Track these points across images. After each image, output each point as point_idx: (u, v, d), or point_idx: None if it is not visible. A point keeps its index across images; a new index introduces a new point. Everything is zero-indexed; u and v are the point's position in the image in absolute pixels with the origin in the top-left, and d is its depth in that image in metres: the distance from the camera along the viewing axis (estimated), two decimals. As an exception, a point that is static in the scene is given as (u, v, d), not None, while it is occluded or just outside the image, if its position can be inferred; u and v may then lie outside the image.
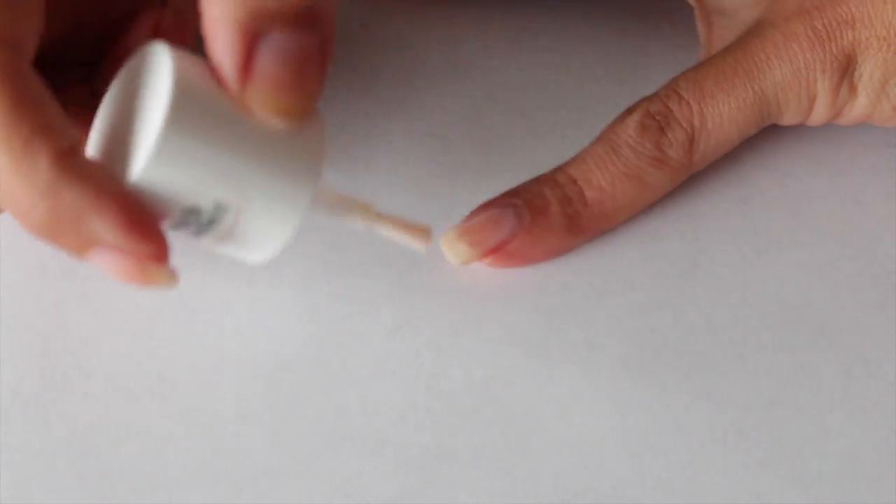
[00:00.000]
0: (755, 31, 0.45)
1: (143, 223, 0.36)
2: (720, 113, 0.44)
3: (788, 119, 0.45)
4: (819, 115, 0.45)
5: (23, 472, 0.40)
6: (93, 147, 0.39)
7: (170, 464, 0.41)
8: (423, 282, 0.45)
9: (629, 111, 0.45)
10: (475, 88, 0.51)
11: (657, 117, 0.45)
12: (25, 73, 0.36)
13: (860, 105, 0.45)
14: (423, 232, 0.42)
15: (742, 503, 0.39)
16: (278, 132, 0.37)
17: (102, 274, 0.37)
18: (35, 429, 0.41)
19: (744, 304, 0.44)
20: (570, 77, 0.51)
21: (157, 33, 0.42)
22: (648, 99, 0.45)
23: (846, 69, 0.44)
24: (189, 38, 0.42)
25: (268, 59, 0.35)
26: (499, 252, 0.44)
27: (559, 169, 0.46)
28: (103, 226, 0.36)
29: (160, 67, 0.36)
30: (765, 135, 0.48)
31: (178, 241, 0.44)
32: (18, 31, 0.37)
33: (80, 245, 0.37)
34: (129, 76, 0.38)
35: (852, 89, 0.44)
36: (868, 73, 0.44)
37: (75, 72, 0.43)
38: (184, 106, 0.35)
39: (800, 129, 0.49)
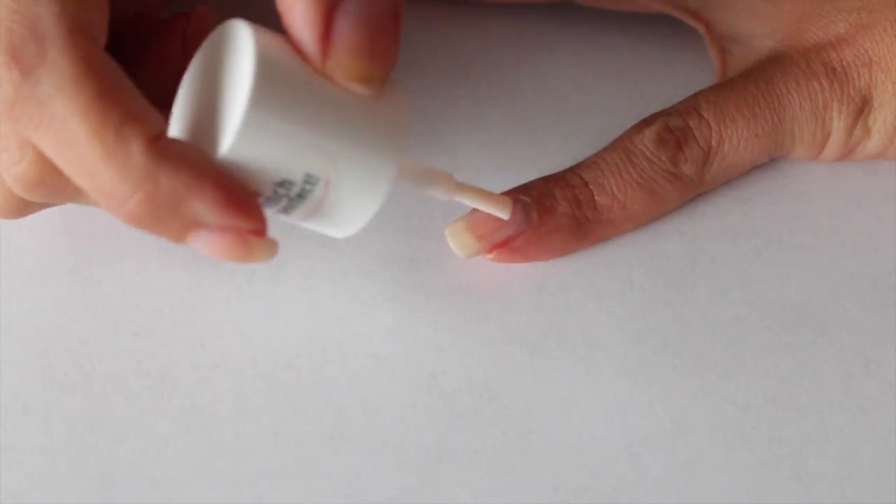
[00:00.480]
0: (775, 61, 0.46)
1: (242, 199, 0.36)
2: (738, 137, 0.45)
3: (799, 153, 0.46)
4: (831, 152, 0.46)
5: (23, 471, 0.40)
6: (176, 128, 0.38)
7: (170, 463, 0.41)
8: (424, 281, 0.45)
9: (647, 122, 0.45)
10: (475, 88, 0.51)
11: (676, 132, 0.45)
12: (107, 62, 0.36)
13: (873, 145, 0.45)
14: (504, 201, 0.43)
15: (742, 503, 0.39)
16: (361, 101, 0.37)
17: (201, 254, 0.37)
18: (35, 428, 0.41)
19: (744, 304, 0.44)
20: (569, 76, 0.51)
21: (185, 38, 0.42)
22: (668, 114, 0.45)
23: (862, 110, 0.45)
24: None
25: (346, 27, 0.35)
26: (504, 247, 0.44)
27: (572, 170, 0.46)
28: (203, 207, 0.35)
29: (241, 41, 0.36)
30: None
31: (181, 245, 0.44)
32: (92, 19, 0.36)
33: (182, 229, 0.36)
34: (207, 55, 0.38)
35: (866, 130, 0.45)
36: (883, 116, 0.45)
37: None
38: (268, 78, 0.35)
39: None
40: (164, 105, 0.38)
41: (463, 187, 0.42)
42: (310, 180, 0.36)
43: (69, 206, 0.47)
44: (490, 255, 0.45)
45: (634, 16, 0.52)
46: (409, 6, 0.53)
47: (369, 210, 0.38)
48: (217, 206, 0.35)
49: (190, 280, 0.45)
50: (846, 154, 0.46)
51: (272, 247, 0.37)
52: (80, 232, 0.46)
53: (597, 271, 0.45)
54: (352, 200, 0.37)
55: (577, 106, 0.50)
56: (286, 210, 0.37)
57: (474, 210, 0.44)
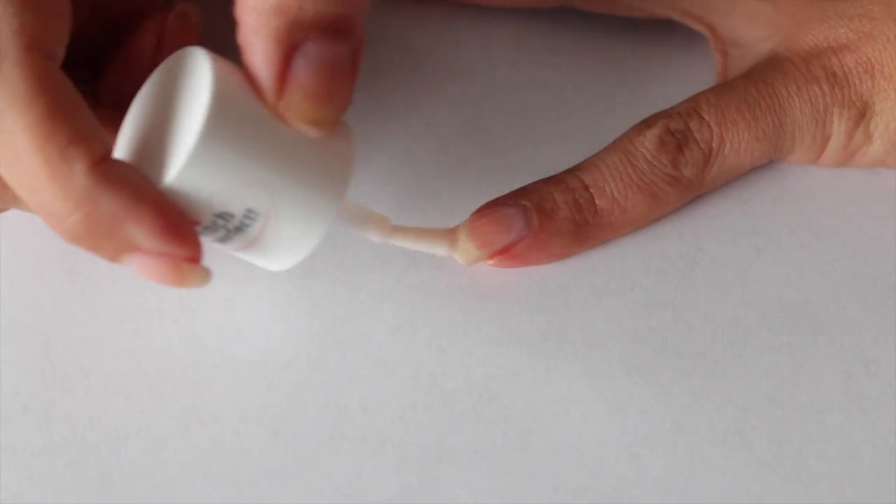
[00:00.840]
0: (775, 64, 0.46)
1: (179, 227, 0.36)
2: (739, 140, 0.45)
3: (799, 156, 0.46)
4: (830, 157, 0.46)
5: (23, 471, 0.40)
6: (122, 149, 0.39)
7: (170, 463, 0.41)
8: (424, 281, 0.45)
9: (648, 124, 0.45)
10: (476, 89, 0.51)
11: (677, 135, 0.45)
12: (60, 80, 0.36)
13: (874, 152, 0.45)
14: (444, 235, 0.43)
15: (741, 503, 0.39)
16: (310, 142, 0.37)
17: (135, 276, 0.37)
18: (35, 428, 0.41)
19: (743, 304, 0.44)
20: (570, 78, 0.51)
21: (162, 36, 0.42)
22: (669, 115, 0.45)
23: (863, 116, 0.45)
24: (193, 41, 0.42)
25: (303, 70, 0.36)
26: (504, 254, 0.44)
27: (571, 173, 0.45)
28: (140, 231, 0.36)
29: (199, 71, 0.36)
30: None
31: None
32: (49, 35, 0.37)
33: (117, 251, 0.37)
34: (162, 79, 0.38)
35: (868, 136, 0.45)
36: (885, 122, 0.45)
37: (77, 72, 0.43)
38: (222, 112, 0.36)
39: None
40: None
41: (399, 230, 0.42)
42: (250, 215, 0.37)
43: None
44: (491, 262, 0.45)
45: (636, 19, 0.52)
46: (410, 7, 0.53)
47: (305, 248, 0.38)
48: (153, 231, 0.36)
49: (190, 280, 0.45)
50: (846, 159, 0.46)
51: (205, 274, 0.38)
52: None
53: (596, 271, 0.45)
54: (289, 237, 0.38)
55: (577, 106, 0.50)
56: (223, 240, 0.38)
57: (475, 217, 0.44)
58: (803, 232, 0.46)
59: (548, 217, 0.44)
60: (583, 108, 0.50)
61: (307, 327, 0.44)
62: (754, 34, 0.47)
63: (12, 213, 0.46)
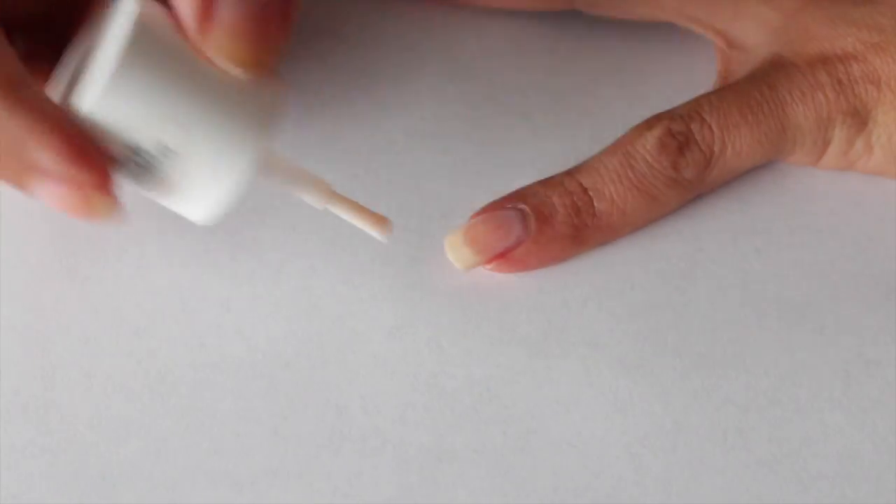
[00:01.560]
0: (780, 68, 0.45)
1: (86, 151, 0.36)
2: (741, 143, 0.45)
3: (798, 158, 0.46)
4: (829, 161, 0.46)
5: (23, 471, 0.40)
6: (52, 84, 0.39)
7: (170, 463, 0.41)
8: (424, 281, 0.45)
9: (648, 126, 0.45)
10: (475, 90, 0.51)
11: (678, 137, 0.44)
12: None
13: (875, 162, 0.45)
14: (380, 221, 0.42)
15: (742, 503, 0.39)
16: (235, 84, 0.37)
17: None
18: (35, 428, 0.41)
19: (743, 304, 0.44)
20: (569, 79, 0.51)
21: None
22: (670, 117, 0.45)
23: (864, 125, 0.44)
24: None
25: (229, 6, 0.35)
26: (502, 258, 0.44)
27: (569, 175, 0.45)
28: (44, 153, 0.36)
29: (124, 8, 0.36)
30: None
31: (181, 239, 0.44)
32: None
33: (21, 173, 0.36)
34: (95, 24, 0.38)
35: (869, 147, 0.45)
36: (887, 134, 0.44)
37: (44, 54, 0.43)
38: (141, 44, 0.36)
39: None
40: None
41: (338, 198, 0.41)
42: (165, 152, 0.36)
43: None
44: (489, 266, 0.45)
45: (635, 21, 0.52)
46: (409, 8, 0.54)
47: (223, 194, 0.38)
48: (59, 154, 0.36)
49: (190, 280, 0.45)
50: (846, 166, 0.46)
51: (114, 205, 0.37)
52: (81, 232, 0.46)
53: (596, 271, 0.45)
54: (204, 180, 0.37)
55: (576, 108, 0.50)
56: (138, 179, 0.37)
57: (472, 221, 0.44)
58: (803, 232, 0.46)
59: (546, 221, 0.44)
60: (582, 110, 0.50)
61: (307, 327, 0.44)
62: (760, 39, 0.47)
63: (13, 214, 0.46)
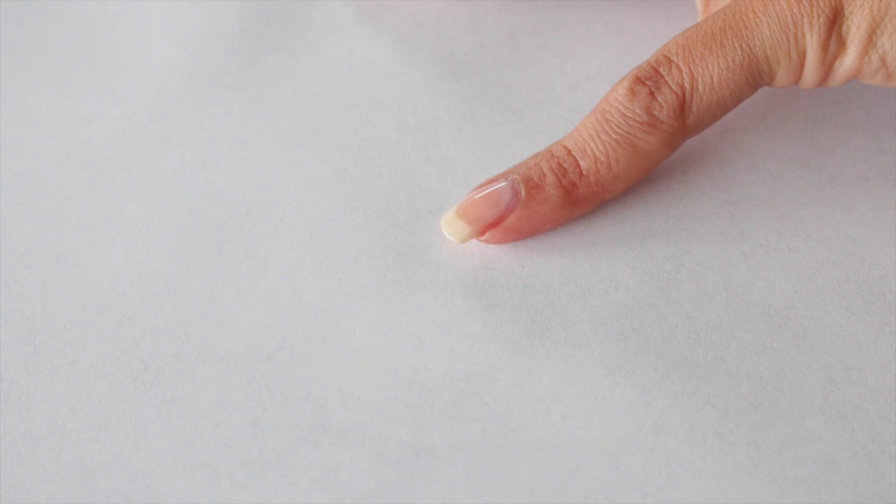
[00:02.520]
0: None
1: None
2: (710, 74, 0.44)
3: (781, 79, 0.45)
4: (810, 73, 0.45)
5: (2, 456, 0.40)
6: None
7: (149, 452, 0.41)
8: (408, 277, 0.45)
9: (622, 79, 0.45)
10: (468, 86, 0.51)
11: (647, 82, 0.44)
12: None
13: (849, 58, 0.44)
14: None
15: (719, 506, 0.39)
16: None
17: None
18: (17, 413, 0.41)
19: (728, 307, 0.44)
20: (563, 76, 0.51)
21: None
22: (638, 66, 0.45)
23: (833, 22, 0.43)
24: None
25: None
26: (496, 226, 0.45)
27: (556, 143, 0.46)
28: None
29: None
30: (755, 137, 0.48)
31: (167, 229, 0.44)
32: None
33: None
34: None
35: (841, 43, 0.44)
36: (856, 24, 0.43)
37: None
38: None
39: (790, 131, 0.49)
40: None
41: None
42: None
43: (55, 192, 0.47)
44: (483, 238, 0.45)
45: (628, 15, 0.52)
46: (403, 2, 0.54)
47: None
48: None
49: (176, 271, 0.45)
50: (826, 74, 0.45)
51: None
52: (69, 220, 0.47)
53: (581, 270, 0.45)
54: None
55: (569, 105, 0.50)
56: None
57: (464, 200, 0.45)
58: (790, 236, 0.46)
59: (535, 186, 0.45)
60: (575, 108, 0.50)
61: (290, 320, 0.44)
62: None
63: (0, 202, 0.46)
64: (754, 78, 0.44)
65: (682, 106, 0.44)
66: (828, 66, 0.44)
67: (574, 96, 0.50)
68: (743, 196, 0.47)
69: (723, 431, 0.41)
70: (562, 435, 0.41)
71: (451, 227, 0.45)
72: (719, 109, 0.45)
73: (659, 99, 0.44)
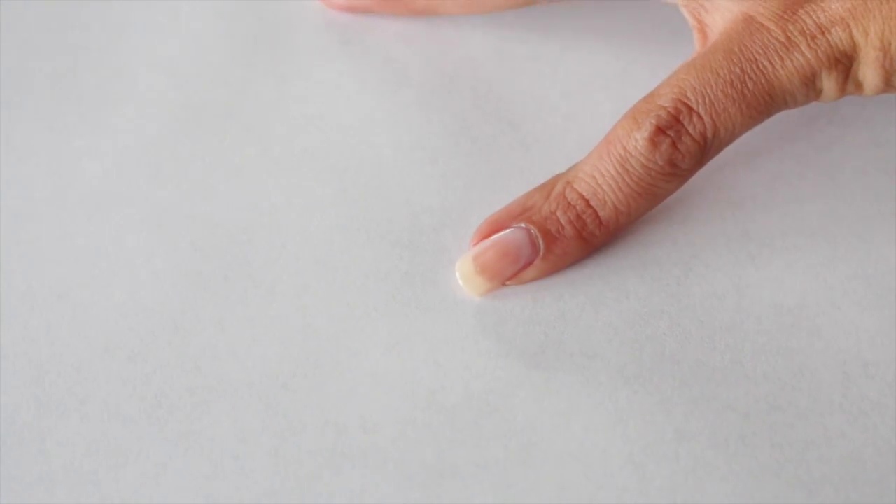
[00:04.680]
0: (753, 33, 0.44)
1: None
2: (732, 122, 0.44)
3: (792, 108, 0.45)
4: (825, 100, 0.45)
5: (22, 502, 0.40)
6: None
7: (170, 488, 0.40)
8: (416, 296, 0.45)
9: (636, 123, 0.44)
10: (461, 99, 0.51)
11: (668, 132, 0.44)
12: None
13: (869, 90, 0.44)
14: None
15: (746, 509, 0.39)
16: None
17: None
18: (32, 457, 0.41)
19: (739, 309, 0.44)
20: (555, 85, 0.51)
21: None
22: (656, 112, 0.44)
23: (849, 69, 0.44)
24: None
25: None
26: (514, 278, 0.45)
27: (570, 184, 0.45)
28: None
29: None
30: (753, 136, 0.48)
31: (171, 261, 0.44)
32: None
33: None
34: None
35: (858, 85, 0.44)
36: (868, 67, 0.43)
37: None
38: None
39: (788, 132, 0.49)
40: None
41: None
42: None
43: (53, 231, 0.47)
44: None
45: (618, 23, 0.52)
46: (391, 19, 0.53)
47: None
48: None
49: (182, 303, 0.45)
50: (841, 97, 0.45)
51: None
52: (68, 257, 0.46)
53: (591, 280, 0.45)
54: None
55: (562, 114, 0.50)
56: None
57: (477, 239, 0.45)
58: (795, 235, 0.46)
59: (554, 240, 0.44)
60: (569, 116, 0.50)
61: (302, 346, 0.43)
62: None
63: (2, 235, 0.46)
64: (769, 116, 0.44)
65: (704, 153, 0.44)
66: (848, 94, 0.45)
67: (568, 104, 0.50)
68: (745, 197, 0.47)
69: (745, 434, 0.41)
70: (585, 447, 0.41)
71: (470, 284, 0.44)
72: (729, 144, 0.45)
73: (681, 149, 0.44)
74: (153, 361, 0.43)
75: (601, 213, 0.44)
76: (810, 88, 0.44)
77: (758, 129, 0.47)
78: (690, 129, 0.44)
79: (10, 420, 0.42)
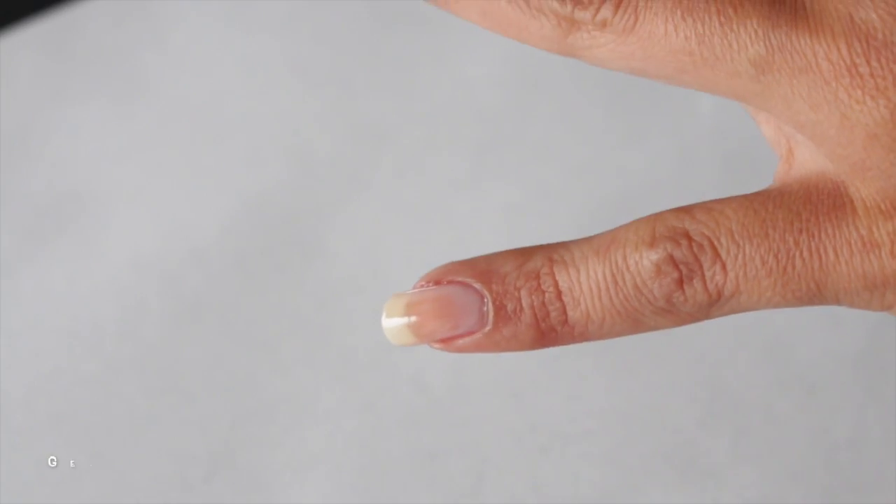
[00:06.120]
0: (830, 206, 0.34)
1: None
2: (760, 294, 0.35)
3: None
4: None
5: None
6: None
7: None
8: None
9: (653, 233, 0.36)
10: (454, 126, 0.50)
11: (680, 267, 0.35)
12: None
13: None
14: None
15: None
16: None
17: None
18: None
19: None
20: (546, 108, 0.51)
21: None
22: (675, 238, 0.36)
23: None
24: None
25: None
26: (444, 343, 0.36)
27: (548, 264, 0.37)
28: None
29: None
30: (758, 138, 0.47)
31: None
32: None
33: None
34: None
35: None
36: None
37: None
38: None
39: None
40: None
41: None
42: None
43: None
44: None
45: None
46: (384, 43, 0.53)
47: None
48: None
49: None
50: None
51: None
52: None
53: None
54: None
55: (558, 136, 0.50)
56: None
57: (421, 295, 0.37)
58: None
59: (506, 320, 0.36)
60: (558, 138, 0.49)
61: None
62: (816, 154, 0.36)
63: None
64: (817, 305, 0.35)
65: (712, 306, 0.35)
66: None
67: (560, 125, 0.50)
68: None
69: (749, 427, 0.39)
70: (586, 436, 0.39)
71: (392, 330, 0.36)
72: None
73: (686, 292, 0.35)
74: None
75: (570, 313, 0.37)
76: (872, 298, 0.34)
77: (757, 130, 0.46)
78: (707, 276, 0.35)
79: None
